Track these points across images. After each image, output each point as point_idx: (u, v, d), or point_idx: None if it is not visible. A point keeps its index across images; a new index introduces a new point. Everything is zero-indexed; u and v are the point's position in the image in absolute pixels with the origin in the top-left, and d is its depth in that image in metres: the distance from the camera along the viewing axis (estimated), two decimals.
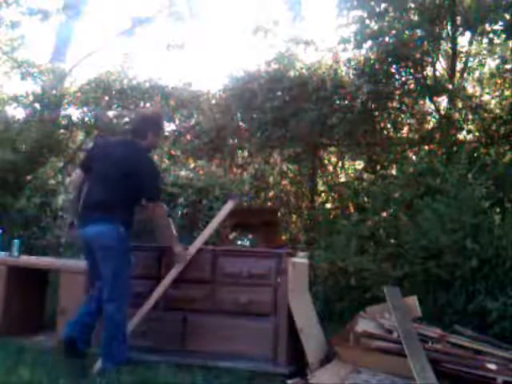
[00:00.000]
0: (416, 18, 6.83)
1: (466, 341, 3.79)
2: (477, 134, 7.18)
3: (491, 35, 6.55)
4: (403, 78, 7.26)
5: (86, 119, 8.61)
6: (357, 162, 8.17)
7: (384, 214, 5.89)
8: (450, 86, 6.94)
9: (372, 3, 6.84)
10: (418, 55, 7.00)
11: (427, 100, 7.45)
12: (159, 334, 3.87)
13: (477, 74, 7.86)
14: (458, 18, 6.85)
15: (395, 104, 7.51)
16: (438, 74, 7.32)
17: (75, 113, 8.88)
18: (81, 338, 3.53)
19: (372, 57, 7.11)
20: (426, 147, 7.23)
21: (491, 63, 7.79)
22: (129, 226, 3.56)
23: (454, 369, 3.48)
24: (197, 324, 3.86)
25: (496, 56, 7.65)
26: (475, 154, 6.53)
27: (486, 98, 7.66)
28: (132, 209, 3.58)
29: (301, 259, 4.21)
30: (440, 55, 7.26)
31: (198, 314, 3.88)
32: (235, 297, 3.81)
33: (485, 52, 7.72)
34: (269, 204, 7.97)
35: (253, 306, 3.77)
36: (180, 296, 3.91)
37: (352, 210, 6.67)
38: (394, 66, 7.15)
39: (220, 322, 3.82)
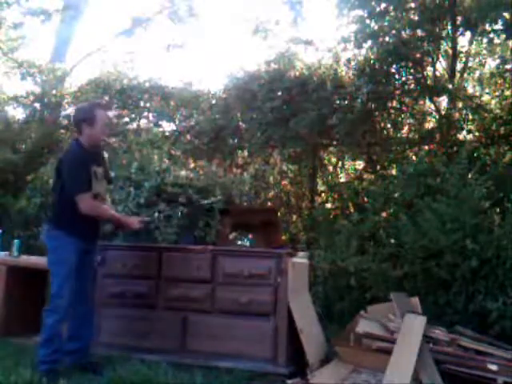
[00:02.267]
0: (416, 17, 6.83)
1: (467, 341, 3.79)
2: (477, 133, 7.17)
3: (491, 35, 6.55)
4: (403, 78, 7.26)
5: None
6: (357, 162, 8.17)
7: (384, 214, 5.89)
8: (450, 86, 6.94)
9: (372, 3, 6.84)
10: (418, 55, 7.00)
11: (427, 100, 7.45)
12: (159, 333, 3.87)
13: (477, 74, 7.87)
14: (458, 18, 6.85)
15: (395, 104, 7.51)
16: (438, 74, 7.32)
17: None
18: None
19: (372, 57, 7.11)
20: (426, 147, 7.23)
21: (491, 63, 7.81)
22: (69, 226, 3.47)
23: (454, 369, 3.48)
24: (197, 324, 3.86)
25: (496, 56, 7.66)
26: (475, 154, 6.52)
27: (486, 97, 7.67)
28: (69, 208, 3.46)
29: (301, 259, 4.21)
30: (440, 55, 7.27)
31: (198, 314, 3.88)
32: (235, 297, 3.81)
33: (485, 52, 7.73)
34: (269, 204, 7.96)
35: (253, 306, 3.77)
36: (180, 296, 3.92)
37: (352, 210, 6.67)
38: (394, 66, 7.15)
39: (220, 322, 3.82)
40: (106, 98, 8.51)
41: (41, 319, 4.58)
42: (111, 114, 3.73)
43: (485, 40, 7.10)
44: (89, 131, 3.54)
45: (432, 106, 7.48)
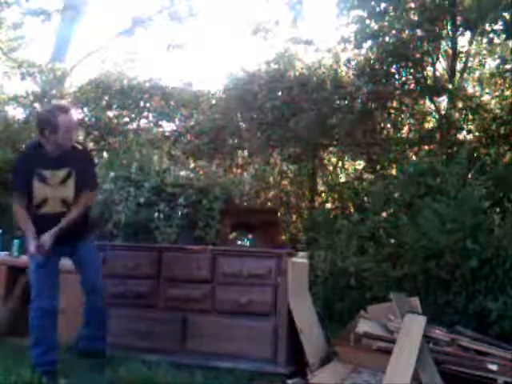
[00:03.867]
0: (416, 17, 6.83)
1: (467, 341, 3.79)
2: (477, 133, 7.18)
3: (491, 35, 6.55)
4: (403, 78, 7.26)
5: (86, 119, 8.61)
6: (357, 162, 8.17)
7: (384, 214, 5.89)
8: (450, 86, 6.94)
9: (372, 3, 6.84)
10: (418, 55, 7.01)
11: (427, 100, 7.45)
12: (159, 333, 3.87)
13: (477, 74, 7.86)
14: (458, 18, 6.85)
15: (395, 104, 7.51)
16: (437, 74, 7.32)
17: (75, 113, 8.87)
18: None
19: (372, 57, 7.11)
20: (426, 147, 7.23)
21: (491, 63, 7.80)
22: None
23: (454, 369, 3.48)
24: (197, 324, 3.86)
25: (496, 56, 7.65)
26: (475, 154, 6.53)
27: (486, 97, 7.66)
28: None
29: (301, 259, 4.21)
30: (440, 55, 7.27)
31: (198, 314, 3.88)
32: (235, 297, 3.81)
33: (485, 52, 7.73)
34: (269, 204, 7.96)
35: (253, 305, 3.77)
36: (180, 296, 3.92)
37: (352, 210, 6.67)
38: (394, 66, 7.15)
39: (220, 322, 3.82)
40: (106, 97, 8.52)
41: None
42: (74, 116, 3.50)
43: (485, 40, 7.10)
44: (53, 138, 3.37)
45: (432, 106, 7.48)
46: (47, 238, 3.35)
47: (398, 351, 3.48)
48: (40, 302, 3.38)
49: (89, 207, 3.67)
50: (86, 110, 8.66)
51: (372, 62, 7.10)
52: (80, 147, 3.59)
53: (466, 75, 7.56)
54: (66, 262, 3.89)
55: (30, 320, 3.40)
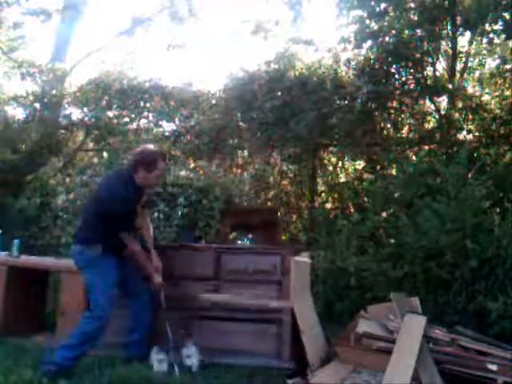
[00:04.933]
0: (416, 17, 6.83)
1: (467, 341, 3.79)
2: (477, 133, 7.17)
3: (491, 35, 6.55)
4: (403, 78, 7.26)
5: (86, 119, 8.60)
6: (357, 162, 8.17)
7: (384, 214, 5.89)
8: (450, 86, 6.94)
9: (372, 3, 6.84)
10: (418, 55, 7.00)
11: (427, 100, 7.45)
12: (163, 332, 3.87)
13: (477, 74, 7.86)
14: (458, 18, 6.85)
15: (395, 104, 7.51)
16: (437, 74, 7.32)
17: (75, 113, 8.89)
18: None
19: (372, 57, 7.11)
20: (426, 147, 7.23)
21: (491, 63, 7.80)
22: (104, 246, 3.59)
23: (454, 369, 3.48)
24: (201, 321, 3.88)
25: (496, 56, 7.65)
26: (475, 154, 6.53)
27: (485, 97, 7.66)
28: (102, 229, 3.58)
29: (303, 258, 4.22)
30: (440, 55, 7.26)
31: (203, 312, 3.89)
32: (239, 294, 3.83)
33: (485, 52, 7.73)
34: (269, 204, 7.97)
35: None
36: (184, 293, 3.93)
37: (352, 210, 6.67)
38: (394, 66, 7.15)
39: (224, 319, 3.84)
40: (106, 97, 8.52)
41: (41, 319, 4.62)
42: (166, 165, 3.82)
43: (485, 40, 7.10)
44: (144, 174, 3.60)
45: (432, 106, 7.48)
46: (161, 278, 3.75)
47: (398, 351, 3.48)
48: (102, 314, 3.49)
49: None
50: (85, 109, 8.66)
51: (372, 61, 7.09)
52: None
53: (466, 75, 7.56)
54: (67, 262, 3.90)
55: (84, 325, 3.49)
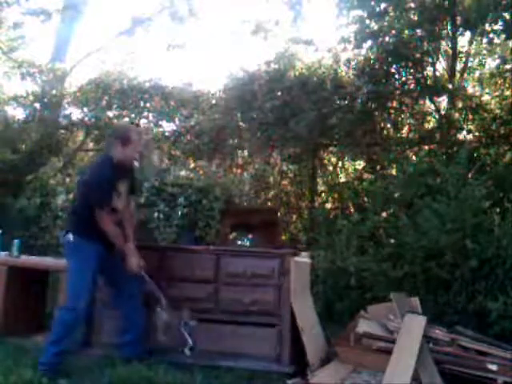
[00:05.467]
0: (416, 17, 6.83)
1: (467, 341, 3.79)
2: (477, 133, 7.17)
3: (491, 35, 6.55)
4: (403, 78, 7.26)
5: (86, 119, 8.60)
6: (357, 162, 8.17)
7: (384, 214, 5.89)
8: (450, 86, 6.94)
9: (372, 3, 6.84)
10: (418, 55, 7.00)
11: (427, 100, 7.45)
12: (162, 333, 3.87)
13: (477, 74, 7.86)
14: (458, 18, 6.85)
15: (395, 104, 7.51)
16: (437, 74, 7.32)
17: (75, 113, 8.89)
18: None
19: (372, 57, 7.11)
20: (426, 147, 7.23)
21: (491, 63, 7.80)
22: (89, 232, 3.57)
23: (454, 369, 3.48)
24: (200, 324, 3.86)
25: (496, 56, 7.65)
26: (475, 154, 6.53)
27: (485, 97, 7.66)
28: (86, 216, 3.57)
29: (303, 258, 4.22)
30: (440, 55, 7.26)
31: (202, 314, 3.88)
32: (239, 297, 3.82)
33: (485, 52, 7.73)
34: (269, 204, 7.97)
35: (256, 305, 3.78)
36: (183, 296, 3.92)
37: (352, 210, 6.67)
38: (394, 66, 7.15)
39: (223, 322, 3.83)
40: (106, 97, 8.52)
41: (41, 319, 4.61)
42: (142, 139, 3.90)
43: (485, 40, 7.10)
44: (120, 149, 3.67)
45: (432, 106, 7.48)
46: (138, 259, 3.67)
47: (398, 351, 3.48)
48: (76, 304, 3.47)
49: None
50: (86, 109, 8.66)
51: (372, 61, 7.10)
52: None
53: (466, 75, 7.56)
54: (64, 262, 3.89)
55: (63, 319, 3.48)
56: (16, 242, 4.58)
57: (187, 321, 3.67)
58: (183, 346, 3.64)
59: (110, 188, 3.59)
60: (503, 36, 6.31)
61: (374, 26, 6.94)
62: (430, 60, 7.18)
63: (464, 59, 7.42)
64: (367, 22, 6.93)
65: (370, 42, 7.00)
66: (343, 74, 7.57)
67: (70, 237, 3.60)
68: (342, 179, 8.17)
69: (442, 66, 7.38)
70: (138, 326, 3.76)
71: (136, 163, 3.83)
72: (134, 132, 3.81)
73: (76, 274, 3.55)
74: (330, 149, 8.25)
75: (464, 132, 7.23)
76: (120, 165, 3.68)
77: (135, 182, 3.97)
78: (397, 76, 7.24)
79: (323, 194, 8.19)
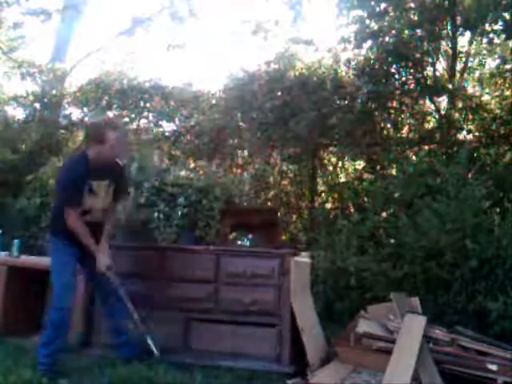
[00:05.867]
0: (416, 17, 6.83)
1: (467, 341, 3.79)
2: (477, 133, 7.17)
3: (491, 35, 6.55)
4: (403, 78, 7.26)
5: (86, 119, 8.61)
6: (357, 162, 8.17)
7: (384, 214, 5.89)
8: (450, 86, 6.94)
9: (372, 3, 6.84)
10: (418, 55, 7.01)
11: (427, 100, 7.45)
12: (162, 334, 3.87)
13: (477, 74, 7.87)
14: (458, 18, 6.85)
15: (395, 104, 7.51)
16: (437, 74, 7.32)
17: (75, 113, 8.90)
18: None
19: (372, 57, 7.11)
20: (426, 147, 7.23)
21: (491, 63, 7.81)
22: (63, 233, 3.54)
23: (454, 369, 3.48)
24: (200, 324, 3.87)
25: (496, 56, 7.66)
26: (475, 154, 6.53)
27: (485, 97, 7.67)
28: (59, 215, 3.53)
29: (303, 258, 4.22)
30: (440, 55, 7.27)
31: (202, 314, 3.88)
32: (239, 297, 3.82)
33: (485, 52, 7.73)
34: (269, 204, 7.96)
35: (256, 305, 3.78)
36: (183, 296, 3.92)
37: (352, 210, 6.67)
38: (394, 66, 7.15)
39: (223, 322, 3.83)
40: (106, 97, 8.52)
41: (41, 319, 4.60)
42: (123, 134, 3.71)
43: (485, 40, 7.10)
44: (97, 149, 3.54)
45: (432, 106, 7.48)
46: (109, 259, 3.59)
47: (398, 351, 3.48)
48: (63, 303, 3.45)
49: None
50: (85, 109, 8.66)
51: (372, 61, 7.10)
52: (118, 161, 3.73)
53: (466, 75, 7.56)
54: None
55: (52, 319, 3.47)
56: (16, 242, 4.58)
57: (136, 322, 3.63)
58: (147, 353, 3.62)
59: (79, 186, 3.47)
60: (503, 36, 6.31)
61: (374, 25, 6.94)
62: (430, 60, 7.18)
63: (464, 59, 7.42)
64: (367, 22, 6.93)
65: (369, 42, 7.00)
66: (343, 73, 7.57)
67: (51, 237, 3.60)
68: (342, 179, 8.17)
69: (442, 65, 7.39)
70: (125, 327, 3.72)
71: (120, 163, 3.71)
72: (109, 129, 3.53)
73: (56, 274, 3.54)
74: (330, 149, 8.24)
75: (464, 132, 7.23)
76: (96, 164, 3.52)
77: (123, 183, 3.83)
78: (397, 76, 7.24)
79: (323, 194, 8.19)
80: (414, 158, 6.93)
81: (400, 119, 7.70)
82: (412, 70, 7.16)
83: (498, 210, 5.39)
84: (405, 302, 4.14)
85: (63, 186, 3.55)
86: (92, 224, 3.57)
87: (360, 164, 8.10)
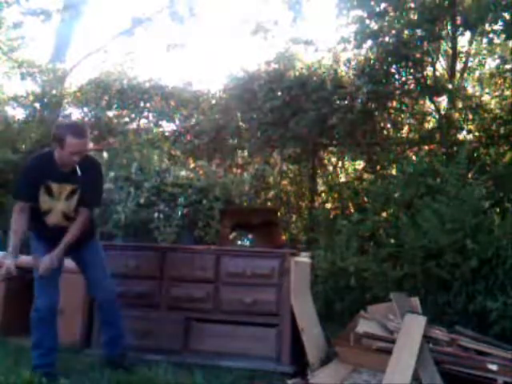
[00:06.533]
0: (416, 17, 6.83)
1: (466, 341, 3.79)
2: (477, 133, 7.17)
3: (491, 35, 6.55)
4: (403, 78, 7.26)
5: (86, 119, 8.60)
6: (357, 162, 8.17)
7: (384, 214, 5.89)
8: (450, 86, 6.94)
9: (372, 3, 6.84)
10: (418, 55, 7.00)
11: (427, 100, 7.45)
12: (162, 333, 3.87)
13: (477, 74, 7.87)
14: (458, 18, 6.85)
15: (395, 104, 7.51)
16: (437, 74, 7.32)
17: (75, 113, 8.89)
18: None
19: (372, 57, 7.11)
20: (426, 147, 7.23)
21: (491, 63, 7.81)
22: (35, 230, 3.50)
23: (454, 369, 3.48)
24: (200, 324, 3.87)
25: (496, 56, 7.66)
26: (475, 154, 6.53)
27: (485, 97, 7.67)
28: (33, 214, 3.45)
29: (303, 258, 4.22)
30: (440, 55, 7.27)
31: (202, 314, 3.89)
32: (239, 297, 3.82)
33: (485, 52, 7.73)
34: (269, 204, 7.96)
35: (256, 305, 3.78)
36: (183, 296, 3.92)
37: (352, 210, 6.67)
38: (394, 66, 7.15)
39: (224, 322, 3.84)
40: (106, 97, 8.52)
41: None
42: (84, 141, 3.35)
43: (485, 40, 7.10)
44: (58, 153, 3.35)
45: (432, 106, 7.48)
46: (48, 260, 3.34)
47: (398, 351, 3.48)
48: (41, 302, 3.39)
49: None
50: (86, 109, 8.66)
51: (372, 61, 7.09)
52: (91, 160, 3.54)
53: (466, 75, 7.56)
54: (67, 262, 3.89)
55: (31, 320, 3.41)
56: None
57: None
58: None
59: (31, 182, 3.35)
60: (503, 36, 6.30)
61: (374, 26, 6.94)
62: (430, 60, 7.18)
63: (464, 59, 7.43)
64: (367, 22, 6.93)
65: (369, 42, 6.99)
66: (343, 73, 7.56)
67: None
68: (342, 179, 8.17)
69: (441, 65, 7.38)
70: (111, 325, 3.68)
71: (98, 171, 3.53)
72: (69, 132, 3.27)
73: (36, 278, 3.43)
74: (330, 149, 8.24)
75: (464, 132, 7.23)
76: (61, 165, 3.37)
77: (90, 191, 3.48)
78: (397, 76, 7.24)
79: (323, 194, 8.19)
80: (414, 158, 6.93)
81: (400, 119, 7.70)
82: (412, 70, 7.16)
83: (498, 209, 5.39)
84: (405, 302, 4.14)
85: (18, 178, 3.49)
86: (55, 227, 3.43)
87: (360, 164, 8.10)
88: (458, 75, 7.22)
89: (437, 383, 3.35)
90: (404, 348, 3.50)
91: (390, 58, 6.94)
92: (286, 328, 3.72)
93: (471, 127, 7.21)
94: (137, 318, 3.95)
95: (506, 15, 5.99)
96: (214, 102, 8.64)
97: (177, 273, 4.00)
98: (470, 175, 5.58)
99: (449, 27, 7.03)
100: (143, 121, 8.76)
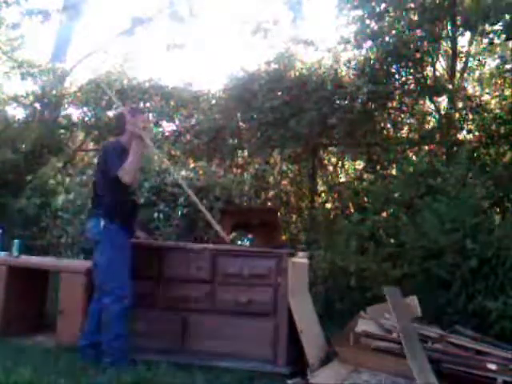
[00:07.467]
0: (416, 17, 6.83)
1: (466, 341, 3.79)
2: (477, 133, 7.18)
3: (491, 35, 6.55)
4: (403, 78, 7.26)
5: (86, 119, 8.61)
6: (357, 162, 8.17)
7: (384, 214, 5.89)
8: (450, 86, 6.95)
9: (372, 3, 6.85)
10: (418, 55, 7.01)
11: (427, 100, 7.46)
12: (159, 333, 3.87)
13: (477, 74, 7.87)
14: (458, 17, 6.85)
15: (395, 104, 7.51)
16: (437, 74, 7.32)
17: (75, 113, 8.90)
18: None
19: (372, 57, 7.11)
20: (426, 147, 7.23)
21: (491, 63, 7.81)
22: (115, 215, 3.62)
23: (454, 369, 3.48)
24: (197, 324, 3.86)
25: (496, 56, 7.66)
26: (475, 154, 6.53)
27: (485, 97, 7.67)
28: (111, 197, 3.62)
29: (301, 259, 4.21)
30: (440, 55, 7.27)
31: (198, 314, 3.88)
32: (235, 297, 3.81)
33: (485, 52, 7.73)
34: (269, 204, 7.96)
35: (253, 306, 3.77)
36: (180, 296, 3.91)
37: (352, 210, 6.67)
38: (394, 66, 7.15)
39: (220, 322, 3.82)
40: (106, 97, 8.52)
41: (41, 319, 4.61)
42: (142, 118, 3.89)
43: (485, 40, 7.10)
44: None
45: (432, 106, 7.49)
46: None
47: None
48: (123, 292, 3.51)
49: None
50: (85, 109, 8.66)
51: (372, 61, 7.09)
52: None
53: (466, 75, 7.57)
54: (67, 262, 3.90)
55: (113, 312, 3.50)
56: (16, 242, 4.58)
57: None
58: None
59: (118, 154, 3.67)
60: (503, 36, 6.30)
61: (374, 26, 6.95)
62: (430, 60, 7.19)
63: (464, 59, 7.43)
64: (367, 22, 6.94)
65: (369, 42, 7.00)
66: (343, 73, 7.56)
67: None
68: (342, 179, 8.17)
69: (441, 65, 7.39)
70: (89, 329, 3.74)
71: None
72: (138, 114, 3.87)
73: (113, 264, 3.64)
74: (330, 149, 8.25)
75: (464, 132, 7.24)
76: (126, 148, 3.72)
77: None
78: (397, 76, 7.24)
79: (323, 194, 8.19)
80: (414, 157, 6.93)
81: (400, 119, 7.71)
82: (412, 70, 7.16)
83: (498, 209, 5.39)
84: (396, 294, 4.14)
85: (108, 157, 3.66)
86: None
87: (360, 164, 8.10)
88: (457, 75, 7.22)
89: (433, 382, 3.34)
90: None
91: (390, 58, 6.94)
92: (282, 328, 3.71)
93: (471, 127, 7.21)
94: (134, 318, 3.94)
95: (506, 15, 5.99)
96: (213, 102, 8.64)
97: (174, 273, 3.99)
98: (470, 175, 5.58)
99: (449, 27, 7.03)
100: None
